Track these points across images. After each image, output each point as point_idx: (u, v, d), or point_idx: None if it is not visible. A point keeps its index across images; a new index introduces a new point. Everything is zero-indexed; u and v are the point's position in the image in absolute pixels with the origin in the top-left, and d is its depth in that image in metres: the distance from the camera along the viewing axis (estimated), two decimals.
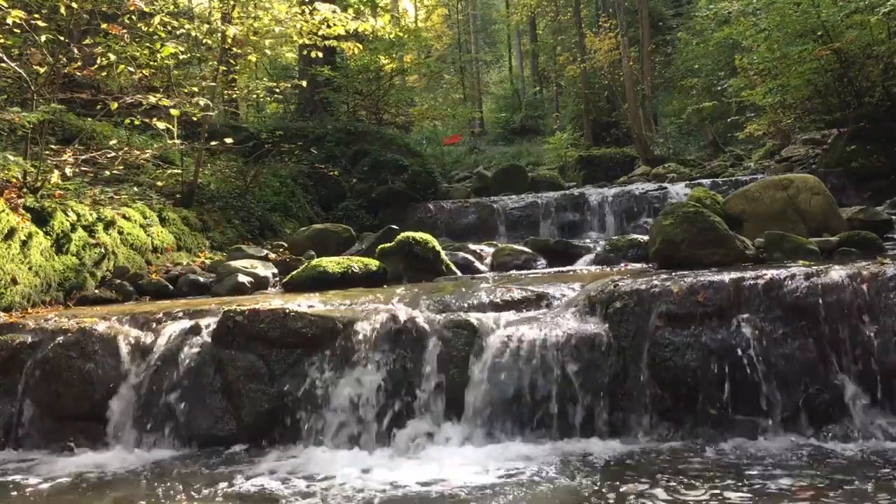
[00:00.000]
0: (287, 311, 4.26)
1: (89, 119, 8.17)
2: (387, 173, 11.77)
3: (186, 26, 7.76)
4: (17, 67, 6.26)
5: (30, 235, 5.41)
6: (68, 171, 6.44)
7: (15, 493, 3.46)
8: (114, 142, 7.57)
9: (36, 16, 6.23)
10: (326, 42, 8.66)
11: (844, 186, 9.59)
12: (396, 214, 10.54)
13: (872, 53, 10.42)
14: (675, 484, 3.10)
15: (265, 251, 7.65)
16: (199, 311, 4.65)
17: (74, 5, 6.78)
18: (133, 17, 7.21)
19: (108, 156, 7.08)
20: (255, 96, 17.81)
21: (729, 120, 17.08)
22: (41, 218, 5.66)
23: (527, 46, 34.27)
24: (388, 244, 6.36)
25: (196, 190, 8.31)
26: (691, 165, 15.54)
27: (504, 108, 32.49)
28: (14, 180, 5.98)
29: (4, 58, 6.20)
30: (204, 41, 8.62)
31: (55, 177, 6.17)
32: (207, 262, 7.20)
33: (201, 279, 6.34)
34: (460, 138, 26.41)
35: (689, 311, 3.93)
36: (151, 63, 7.57)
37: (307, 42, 8.61)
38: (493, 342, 4.02)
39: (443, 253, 6.39)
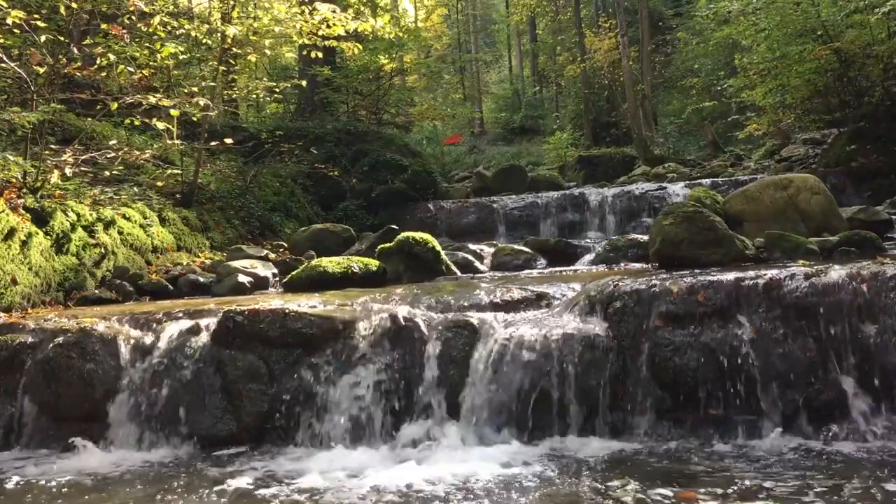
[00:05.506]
0: (287, 311, 4.26)
1: (89, 119, 8.16)
2: (387, 173, 11.75)
3: (186, 26, 7.76)
4: (16, 67, 6.26)
5: (30, 235, 5.41)
6: (68, 171, 6.44)
7: (15, 493, 3.46)
8: (114, 142, 7.56)
9: (36, 16, 6.22)
10: (326, 42, 8.65)
11: (844, 186, 9.58)
12: (396, 214, 10.53)
13: (872, 53, 10.41)
14: (674, 484, 3.10)
15: (265, 251, 7.65)
16: (199, 311, 4.65)
17: (74, 5, 6.78)
18: (133, 17, 7.21)
19: (108, 156, 7.07)
20: (255, 96, 17.86)
21: (729, 120, 17.08)
22: (41, 218, 5.66)
23: (527, 46, 34.30)
24: (388, 244, 6.36)
25: (196, 190, 8.31)
26: (691, 165, 15.53)
27: (504, 108, 32.51)
28: (14, 180, 5.98)
29: (4, 58, 6.20)
30: (204, 41, 8.61)
31: (55, 177, 6.17)
32: (207, 262, 7.19)
33: (201, 279, 6.34)
34: (460, 138, 26.44)
35: (689, 311, 3.93)
36: (151, 63, 7.56)
37: (307, 42, 8.60)
38: (493, 342, 4.02)
39: (443, 253, 6.39)
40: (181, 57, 7.98)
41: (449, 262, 6.41)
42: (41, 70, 6.36)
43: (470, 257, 6.84)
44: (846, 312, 3.72)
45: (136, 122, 7.45)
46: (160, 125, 7.13)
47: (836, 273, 3.86)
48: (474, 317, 4.26)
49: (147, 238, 6.84)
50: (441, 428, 3.89)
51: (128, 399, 4.19)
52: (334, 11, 8.26)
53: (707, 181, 10.74)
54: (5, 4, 5.96)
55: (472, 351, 4.02)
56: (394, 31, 10.80)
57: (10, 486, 3.56)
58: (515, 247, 7.24)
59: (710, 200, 6.60)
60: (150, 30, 7.18)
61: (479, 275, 6.50)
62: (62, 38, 6.70)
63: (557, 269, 6.57)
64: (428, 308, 4.53)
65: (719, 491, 2.99)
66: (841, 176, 9.83)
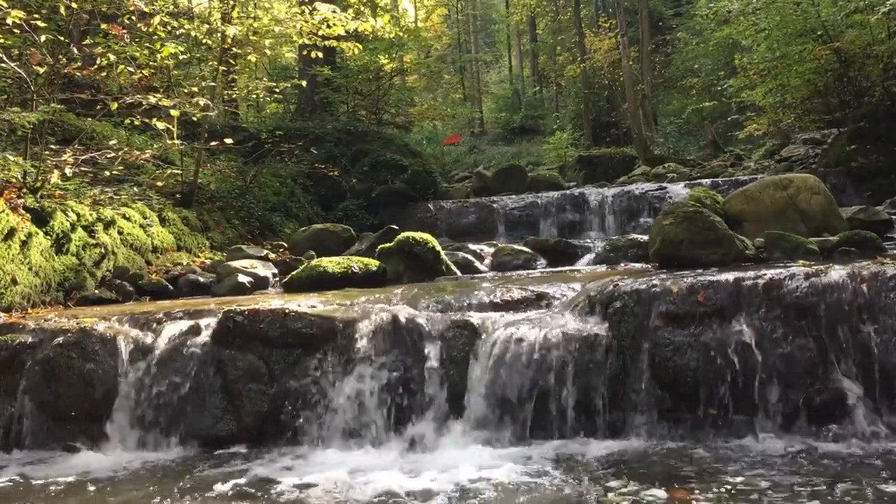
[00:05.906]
0: (287, 311, 4.26)
1: (89, 119, 8.16)
2: (387, 173, 11.75)
3: (186, 26, 7.76)
4: (17, 67, 6.26)
5: (30, 235, 5.41)
6: (68, 171, 6.44)
7: (15, 494, 3.46)
8: (114, 142, 7.56)
9: (36, 16, 6.22)
10: (326, 42, 8.65)
11: (844, 186, 9.57)
12: (396, 214, 10.52)
13: (872, 53, 10.41)
14: (673, 484, 3.10)
15: (265, 251, 7.65)
16: (199, 311, 4.65)
17: (74, 5, 6.78)
18: (133, 17, 7.20)
19: (108, 156, 7.07)
20: (255, 96, 17.85)
21: (729, 120, 17.07)
22: (41, 218, 5.66)
23: (527, 46, 34.31)
24: (388, 244, 6.36)
25: (196, 190, 8.31)
26: (691, 165, 15.52)
27: (504, 108, 32.51)
28: (14, 180, 5.98)
29: (4, 58, 6.20)
30: (204, 41, 8.61)
31: (55, 177, 6.17)
32: (207, 262, 7.20)
33: (201, 279, 6.34)
34: (460, 138, 26.44)
35: (689, 311, 3.93)
36: (151, 63, 7.56)
37: (307, 42, 8.60)
38: (493, 342, 4.02)
39: (443, 253, 6.39)
40: (181, 57, 7.98)
41: (449, 262, 6.41)
42: (41, 70, 6.36)
43: (470, 257, 6.84)
44: (846, 312, 3.72)
45: (136, 122, 7.45)
46: (160, 125, 7.13)
47: (836, 273, 3.86)
48: (474, 317, 4.27)
49: (147, 238, 6.84)
50: (441, 428, 3.89)
51: (128, 399, 4.19)
52: (334, 11, 8.26)
53: (707, 181, 10.74)
54: (5, 4, 5.96)
55: (473, 351, 4.03)
56: (394, 31, 10.80)
57: (9, 486, 3.56)
58: (515, 247, 7.24)
59: (710, 200, 6.60)
60: (150, 30, 7.18)
61: (479, 275, 6.50)
62: (62, 38, 6.70)
63: (557, 269, 6.57)
64: (428, 308, 4.53)
65: (717, 491, 2.99)
66: (841, 176, 9.83)
